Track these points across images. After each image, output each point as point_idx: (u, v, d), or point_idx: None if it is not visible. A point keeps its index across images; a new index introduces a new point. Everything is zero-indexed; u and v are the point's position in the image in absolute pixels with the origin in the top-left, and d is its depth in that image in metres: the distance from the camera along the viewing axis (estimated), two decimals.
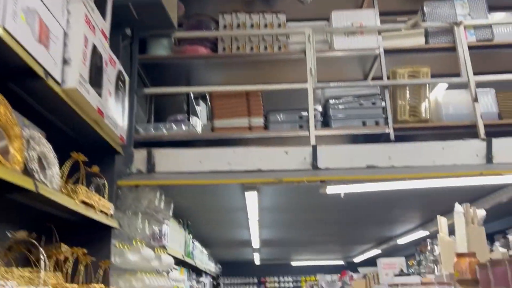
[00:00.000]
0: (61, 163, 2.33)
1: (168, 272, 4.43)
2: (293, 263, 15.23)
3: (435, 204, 5.27)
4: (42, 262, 1.94)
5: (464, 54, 3.80)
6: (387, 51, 3.91)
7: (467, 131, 3.64)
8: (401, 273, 4.67)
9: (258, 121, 3.83)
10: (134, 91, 3.64)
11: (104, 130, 2.72)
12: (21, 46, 1.80)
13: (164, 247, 4.19)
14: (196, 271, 7.97)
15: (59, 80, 2.15)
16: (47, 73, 2.01)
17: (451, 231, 3.52)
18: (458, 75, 3.80)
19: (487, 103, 3.78)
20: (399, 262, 5.05)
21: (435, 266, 4.25)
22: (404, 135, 3.73)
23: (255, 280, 15.99)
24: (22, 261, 2.19)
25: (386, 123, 3.73)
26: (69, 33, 2.23)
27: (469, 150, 3.53)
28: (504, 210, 5.89)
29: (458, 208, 3.18)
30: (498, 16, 4.22)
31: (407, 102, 3.81)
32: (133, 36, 3.76)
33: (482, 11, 4.05)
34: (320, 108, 4.03)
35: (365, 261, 11.59)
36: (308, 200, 5.63)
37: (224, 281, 15.02)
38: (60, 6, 2.17)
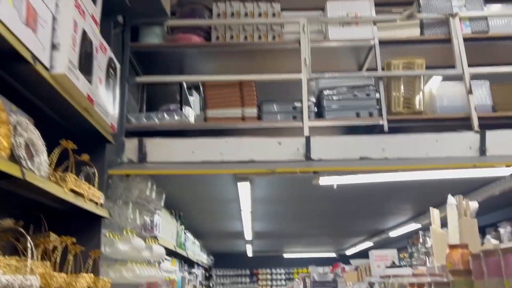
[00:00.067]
0: (50, 152, 2.29)
1: (159, 263, 4.40)
2: (286, 255, 15.28)
3: (428, 197, 5.27)
4: (29, 251, 1.90)
5: (459, 46, 3.78)
6: (382, 42, 3.88)
7: (461, 123, 3.63)
8: (393, 265, 4.68)
9: (252, 111, 3.80)
10: (126, 80, 3.59)
11: (94, 118, 2.68)
12: (8, 29, 1.75)
13: (155, 238, 4.16)
14: (188, 262, 7.95)
15: (48, 65, 2.10)
16: (34, 57, 1.96)
17: (443, 224, 3.52)
18: (453, 67, 3.78)
19: (482, 95, 3.77)
20: (391, 254, 5.07)
21: (427, 258, 4.26)
22: (398, 127, 3.71)
23: (248, 272, 16.03)
24: (10, 249, 2.16)
25: (380, 114, 3.71)
26: (58, 18, 2.18)
27: (463, 143, 3.52)
28: (495, 204, 5.91)
29: (451, 200, 3.17)
30: (494, 8, 4.20)
31: (401, 93, 3.79)
32: (125, 24, 3.71)
33: (477, 2, 4.03)
34: (314, 99, 4.00)
35: (357, 254, 11.64)
36: (301, 192, 5.62)
37: (216, 272, 15.04)
38: None
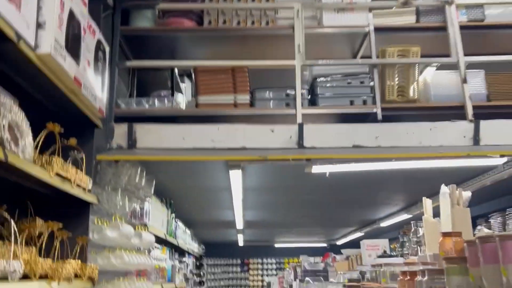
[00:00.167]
0: (37, 136, 2.23)
1: (149, 251, 4.36)
2: (277, 245, 15.32)
3: (420, 187, 5.27)
4: (12, 235, 1.85)
5: (455, 34, 3.74)
6: (377, 29, 3.82)
7: (455, 112, 3.60)
8: (384, 255, 4.68)
9: (244, 98, 3.74)
10: (116, 64, 3.52)
11: (82, 101, 2.61)
12: None
13: (145, 225, 4.11)
14: (178, 251, 7.92)
15: (32, 45, 2.03)
16: (18, 36, 1.89)
17: (435, 214, 3.51)
18: (448, 55, 3.74)
19: (477, 84, 3.74)
20: (382, 243, 5.06)
21: (419, 248, 4.26)
22: (391, 115, 3.67)
23: (239, 261, 16.07)
24: None
25: (374, 102, 3.67)
26: None
27: (457, 131, 3.50)
28: (486, 195, 5.93)
29: (444, 189, 3.14)
30: None
31: (395, 81, 3.75)
32: (115, 7, 3.62)
33: None
34: (307, 87, 3.94)
35: (348, 244, 11.69)
36: (293, 181, 5.59)
37: (207, 262, 15.04)
38: None
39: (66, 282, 2.29)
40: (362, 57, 4.11)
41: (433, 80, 3.84)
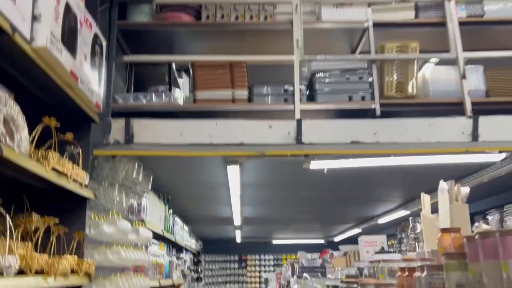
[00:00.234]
0: (33, 130, 2.20)
1: (146, 247, 4.34)
2: (274, 242, 15.34)
3: (418, 183, 5.26)
4: (7, 230, 1.83)
5: (454, 29, 3.72)
6: (376, 25, 3.80)
7: (454, 108, 3.58)
8: (382, 251, 4.67)
9: (242, 93, 3.71)
10: (113, 58, 3.49)
11: (78, 95, 2.58)
12: None
13: (142, 221, 4.09)
14: (176, 247, 7.91)
15: (28, 38, 2.00)
16: (13, 28, 1.86)
17: (434, 210, 3.50)
18: (447, 51, 3.72)
19: (475, 80, 3.72)
20: (380, 240, 5.06)
21: (417, 244, 4.25)
22: (390, 111, 3.66)
23: (236, 258, 16.09)
24: None
25: (373, 98, 3.65)
26: None
27: (455, 128, 3.48)
28: (484, 192, 5.93)
29: (443, 184, 3.14)
30: None
31: (394, 77, 3.73)
32: (112, 0, 3.59)
33: None
34: (306, 82, 3.93)
35: (345, 240, 11.71)
36: (291, 177, 5.59)
37: (205, 258, 15.05)
38: None
39: (62, 277, 2.28)
40: (360, 53, 4.09)
41: (431, 76, 3.82)
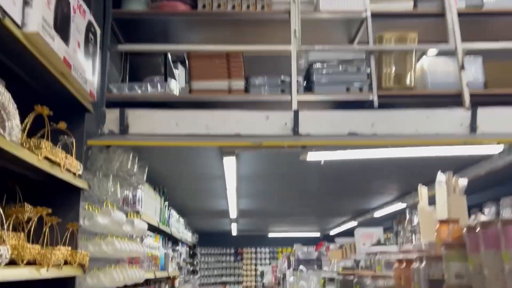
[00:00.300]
0: (25, 119, 2.16)
1: (141, 238, 4.31)
2: (270, 235, 15.36)
3: (415, 176, 5.24)
4: None
5: (452, 20, 3.68)
6: (374, 15, 3.75)
7: (452, 100, 3.55)
8: (379, 243, 4.66)
9: (239, 83, 3.67)
10: (107, 47, 3.44)
11: (71, 83, 2.54)
12: None
13: (137, 213, 4.05)
14: (172, 240, 7.89)
15: (19, 23, 1.95)
16: (4, 12, 1.81)
17: (431, 203, 3.48)
18: (445, 42, 3.68)
19: (474, 72, 3.69)
20: (377, 232, 5.05)
21: (413, 236, 4.24)
22: (388, 103, 3.62)
23: (232, 251, 16.10)
24: None
25: (370, 89, 3.62)
26: None
27: (454, 119, 3.46)
28: (480, 184, 5.92)
29: (440, 176, 3.11)
30: None
31: (392, 68, 3.69)
32: None
33: None
34: (303, 73, 3.88)
35: (341, 233, 11.72)
36: (288, 168, 5.56)
37: (201, 251, 15.06)
38: None
39: (55, 268, 2.24)
40: (358, 43, 4.05)
41: (430, 67, 3.79)
